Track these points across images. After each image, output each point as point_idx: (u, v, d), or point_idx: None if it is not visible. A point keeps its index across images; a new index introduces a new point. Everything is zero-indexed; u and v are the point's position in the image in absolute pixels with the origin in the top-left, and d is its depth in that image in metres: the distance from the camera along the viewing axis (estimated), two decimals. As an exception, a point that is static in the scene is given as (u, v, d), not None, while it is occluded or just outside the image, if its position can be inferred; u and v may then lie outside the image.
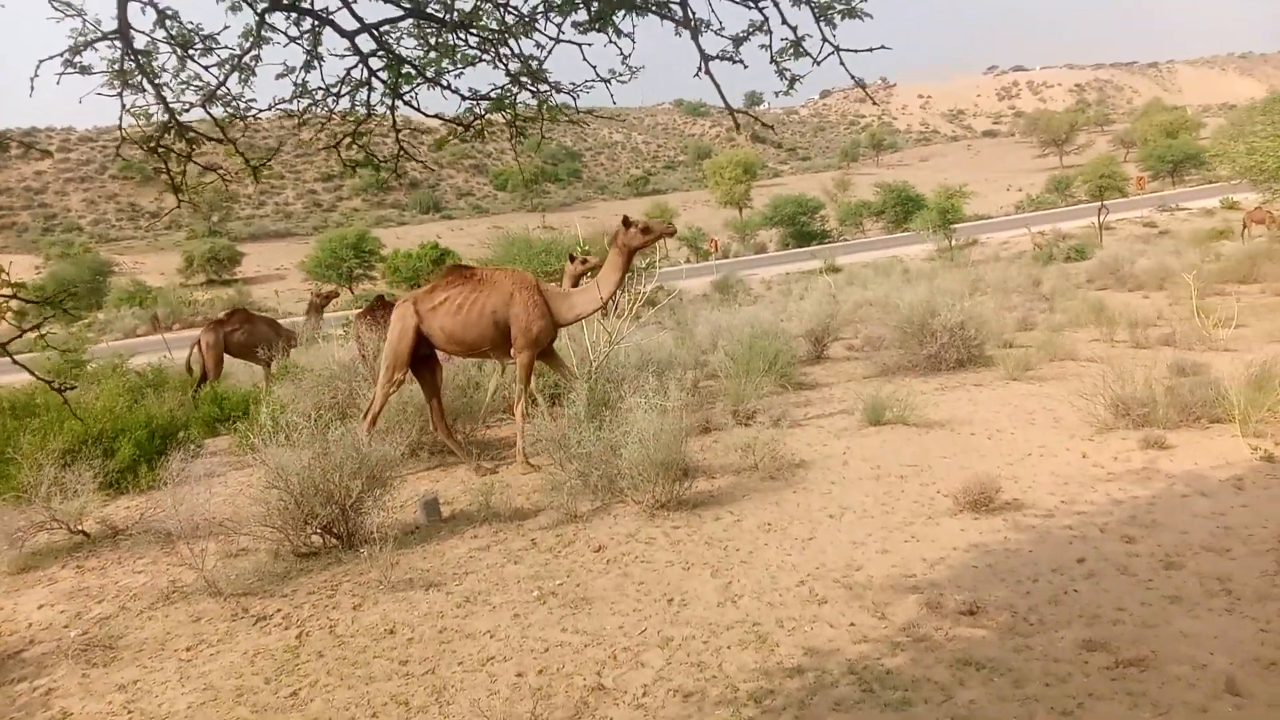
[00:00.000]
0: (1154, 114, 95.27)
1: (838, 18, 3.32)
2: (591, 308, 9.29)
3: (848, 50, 3.41)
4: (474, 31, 3.26)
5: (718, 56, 3.39)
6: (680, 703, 4.54)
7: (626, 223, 9.18)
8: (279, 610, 6.20)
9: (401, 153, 3.87)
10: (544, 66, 3.43)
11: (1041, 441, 8.53)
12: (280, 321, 15.82)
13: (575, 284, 10.87)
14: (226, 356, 14.36)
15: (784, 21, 3.30)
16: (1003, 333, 14.04)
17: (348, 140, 3.70)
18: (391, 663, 5.27)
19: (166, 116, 3.21)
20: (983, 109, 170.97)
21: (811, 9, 3.29)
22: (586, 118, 3.72)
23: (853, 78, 3.49)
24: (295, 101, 3.42)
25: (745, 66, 3.41)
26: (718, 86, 3.36)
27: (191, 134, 3.35)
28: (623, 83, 3.52)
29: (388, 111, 3.51)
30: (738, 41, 3.30)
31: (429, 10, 3.21)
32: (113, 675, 5.48)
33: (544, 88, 3.48)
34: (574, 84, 3.58)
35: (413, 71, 3.39)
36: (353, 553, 6.93)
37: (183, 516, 7.02)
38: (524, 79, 3.46)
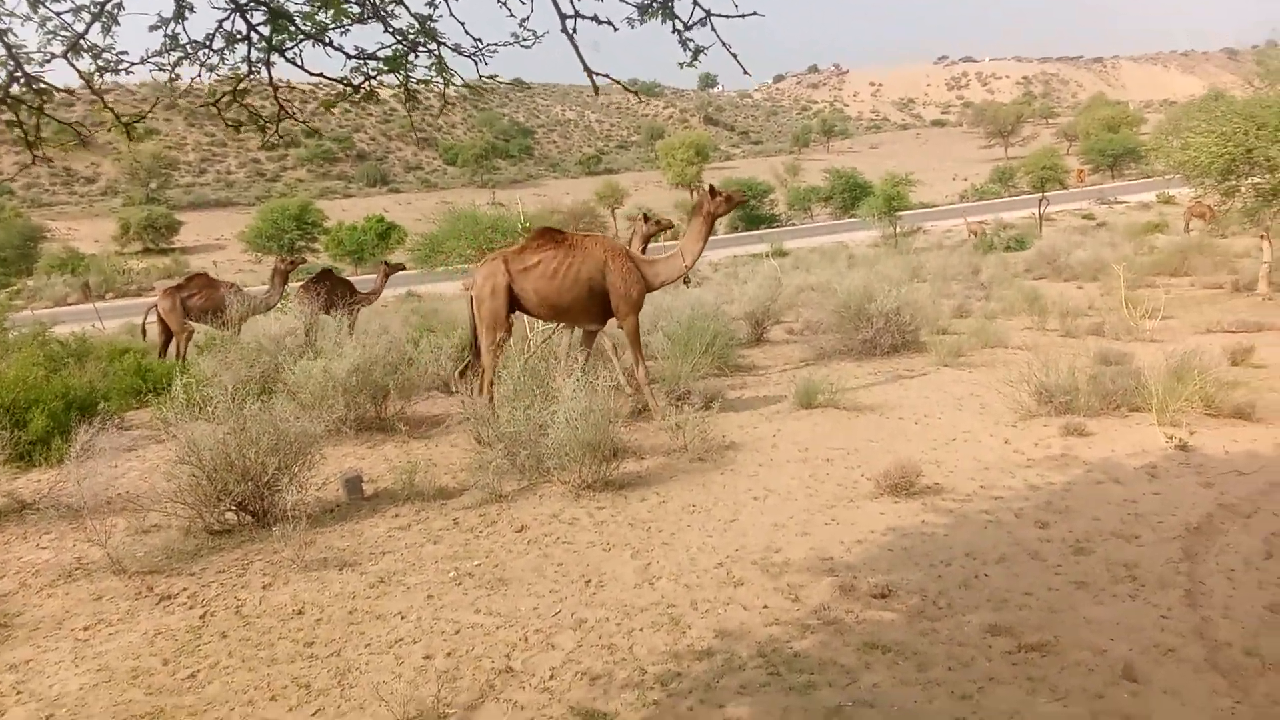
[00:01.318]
0: (1097, 108, 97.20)
1: None
2: (677, 274, 9.55)
3: (719, 15, 3.34)
4: None
5: (575, 15, 3.28)
6: (587, 686, 4.49)
7: (713, 192, 9.44)
8: (185, 589, 6.02)
9: (282, 112, 3.71)
10: (435, 26, 3.29)
11: (967, 427, 8.63)
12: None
13: (644, 246, 10.82)
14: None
15: None
16: (938, 319, 14.21)
17: (227, 98, 3.52)
18: (297, 644, 5.14)
19: (13, 66, 3.02)
20: (932, 98, 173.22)
21: None
22: (489, 83, 3.57)
23: (724, 45, 3.41)
24: (166, 55, 3.24)
25: (615, 28, 3.31)
26: (576, 48, 3.26)
27: (41, 85, 3.15)
28: (525, 46, 3.40)
29: (265, 69, 3.33)
30: None
31: None
32: (4, 655, 5.27)
33: (435, 48, 3.34)
34: (477, 46, 3.46)
35: (293, 27, 3.23)
36: (267, 531, 6.75)
37: (89, 491, 6.78)
38: (417, 39, 3.32)
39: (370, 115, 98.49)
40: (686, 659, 4.66)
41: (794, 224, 56.88)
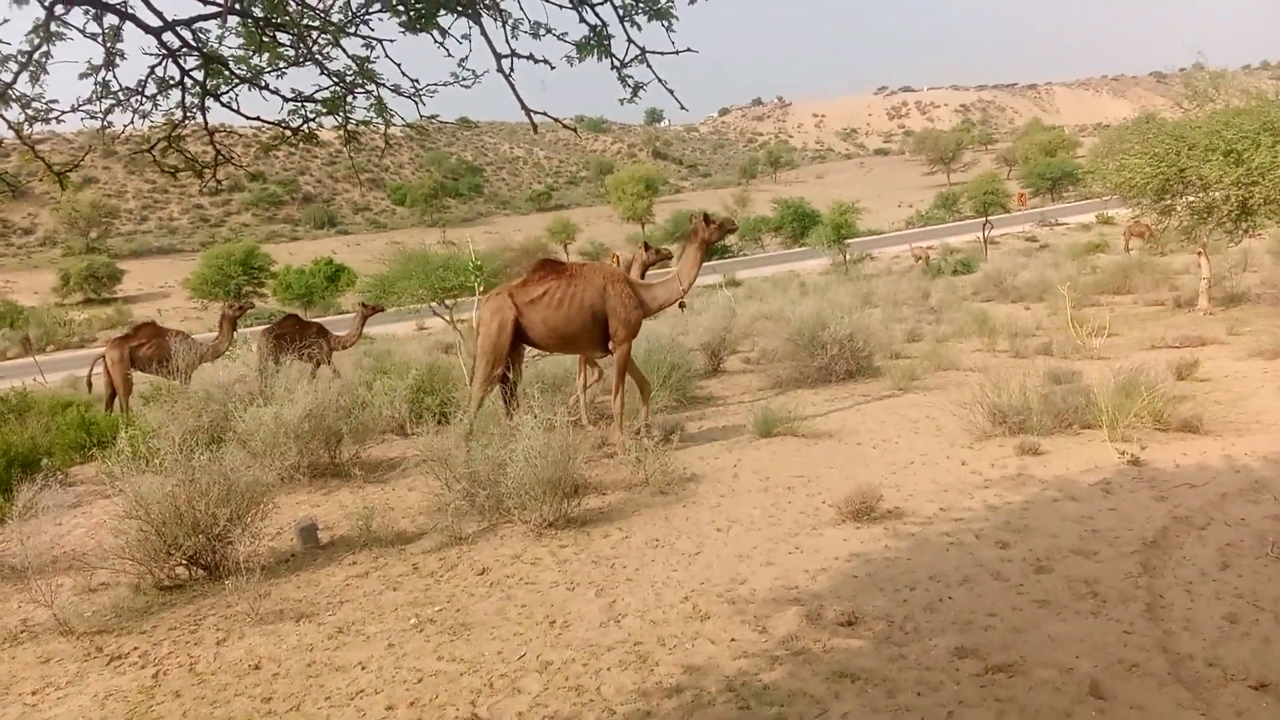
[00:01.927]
0: (1034, 133, 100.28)
1: (642, 19, 3.29)
2: (674, 298, 9.77)
3: (654, 53, 3.38)
4: (288, 30, 3.08)
5: (511, 55, 3.31)
6: (556, 729, 4.40)
7: (707, 219, 9.74)
8: (136, 648, 5.81)
9: (219, 158, 3.65)
10: (373, 68, 3.28)
11: (924, 450, 8.71)
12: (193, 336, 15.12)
13: (643, 273, 11.06)
14: (136, 373, 13.78)
15: (581, 19, 3.24)
16: (891, 344, 14.39)
17: (163, 144, 3.46)
18: (254, 700, 4.98)
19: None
20: (874, 128, 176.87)
21: (615, 9, 3.24)
22: (429, 124, 3.57)
23: (660, 81, 3.46)
24: (98, 103, 3.18)
25: (552, 67, 3.34)
26: (512, 87, 3.27)
27: None
28: (465, 86, 3.40)
29: (200, 114, 3.29)
30: (535, 35, 3.22)
31: (237, 7, 3.01)
32: (-57, 728, 5.03)
33: (374, 89, 3.33)
34: (416, 86, 3.45)
35: (227, 71, 3.19)
36: (220, 584, 6.56)
37: (33, 550, 6.55)
38: (355, 81, 3.30)
39: (315, 157, 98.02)
40: (655, 697, 4.59)
41: (745, 254, 57.38)
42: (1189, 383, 10.36)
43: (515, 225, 77.50)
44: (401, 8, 3.04)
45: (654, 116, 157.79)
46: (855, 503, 6.88)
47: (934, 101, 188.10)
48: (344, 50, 3.26)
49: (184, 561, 6.75)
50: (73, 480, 10.42)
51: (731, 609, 5.57)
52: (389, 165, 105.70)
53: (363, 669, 5.23)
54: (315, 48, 3.18)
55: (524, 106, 3.49)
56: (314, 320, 16.46)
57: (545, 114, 3.57)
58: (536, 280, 9.35)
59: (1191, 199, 16.06)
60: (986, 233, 38.33)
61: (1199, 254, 16.61)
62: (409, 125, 3.57)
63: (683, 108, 3.71)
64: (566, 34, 3.30)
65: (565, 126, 3.93)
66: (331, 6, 3.16)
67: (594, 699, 4.65)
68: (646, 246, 11.30)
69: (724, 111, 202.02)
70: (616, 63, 3.40)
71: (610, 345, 9.48)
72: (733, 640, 5.15)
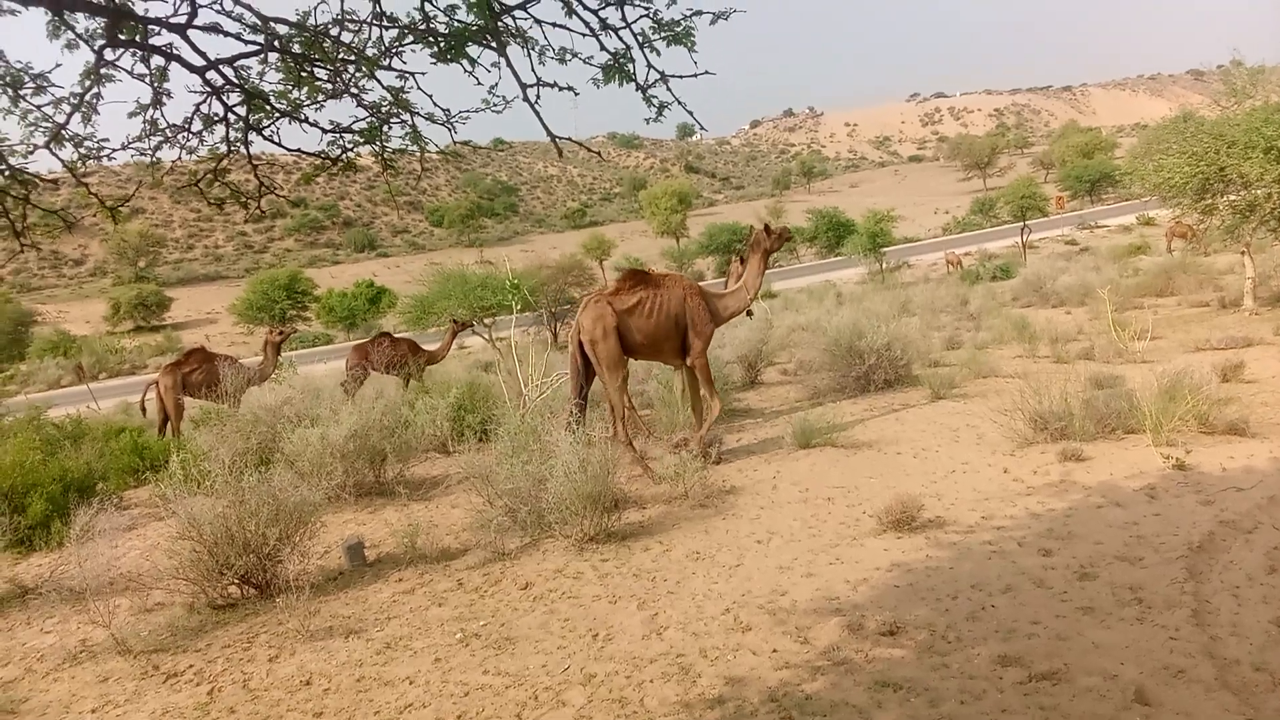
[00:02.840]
0: (1070, 136, 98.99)
1: (661, 44, 3.38)
2: (742, 306, 10.21)
3: (673, 76, 3.47)
4: (323, 65, 3.22)
5: (537, 84, 3.42)
6: (601, 741, 4.46)
7: (768, 230, 10.33)
8: (191, 666, 5.97)
9: (263, 188, 3.81)
10: (407, 98, 3.41)
11: (965, 458, 8.66)
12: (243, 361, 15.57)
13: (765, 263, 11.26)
14: (187, 398, 14.21)
15: (602, 47, 3.34)
16: (929, 352, 14.31)
17: (209, 177, 3.61)
18: (306, 715, 5.10)
19: (-3, 158, 3.11)
20: (908, 135, 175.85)
21: (634, 35, 3.33)
22: (464, 148, 3.70)
23: (680, 103, 3.54)
24: (146, 140, 3.34)
25: (576, 93, 3.44)
26: (538, 114, 3.38)
27: (25, 176, 3.24)
28: (496, 111, 3.52)
29: (243, 147, 3.44)
30: (562, 61, 3.33)
31: (276, 45, 3.15)
32: (10, 745, 5.22)
33: (409, 118, 3.45)
34: (448, 114, 3.57)
35: (268, 106, 3.34)
36: (271, 602, 6.72)
37: (90, 573, 6.76)
38: (390, 110, 3.43)
39: (355, 182, 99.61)
40: (698, 708, 4.64)
41: (780, 265, 57.25)
42: (1234, 384, 10.18)
43: (551, 243, 78.07)
44: (432, 39, 3.17)
45: (685, 131, 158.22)
46: (896, 512, 6.87)
47: (967, 107, 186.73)
48: (379, 83, 3.40)
49: (236, 581, 6.92)
50: (127, 504, 10.71)
51: (772, 620, 5.60)
52: (426, 188, 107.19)
53: (410, 684, 5.34)
54: (351, 81, 3.31)
55: (549, 133, 3.61)
56: (404, 336, 17.06)
57: (570, 139, 3.68)
58: (629, 290, 9.72)
59: (1233, 197, 15.80)
60: (1025, 237, 37.93)
61: (1243, 253, 16.31)
62: (443, 151, 3.69)
63: (701, 128, 3.82)
64: (592, 58, 3.41)
65: (590, 151, 4.05)
66: (367, 41, 3.31)
67: (637, 710, 4.70)
68: (767, 229, 11.42)
69: (755, 124, 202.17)
70: (638, 86, 3.50)
71: (689, 359, 9.82)
72: (774, 651, 5.18)
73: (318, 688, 5.44)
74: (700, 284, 10.39)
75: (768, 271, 11.07)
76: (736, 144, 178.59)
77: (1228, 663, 4.48)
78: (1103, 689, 4.35)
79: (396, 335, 16.63)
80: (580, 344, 9.55)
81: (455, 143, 3.62)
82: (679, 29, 3.34)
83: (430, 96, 3.56)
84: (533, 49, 3.37)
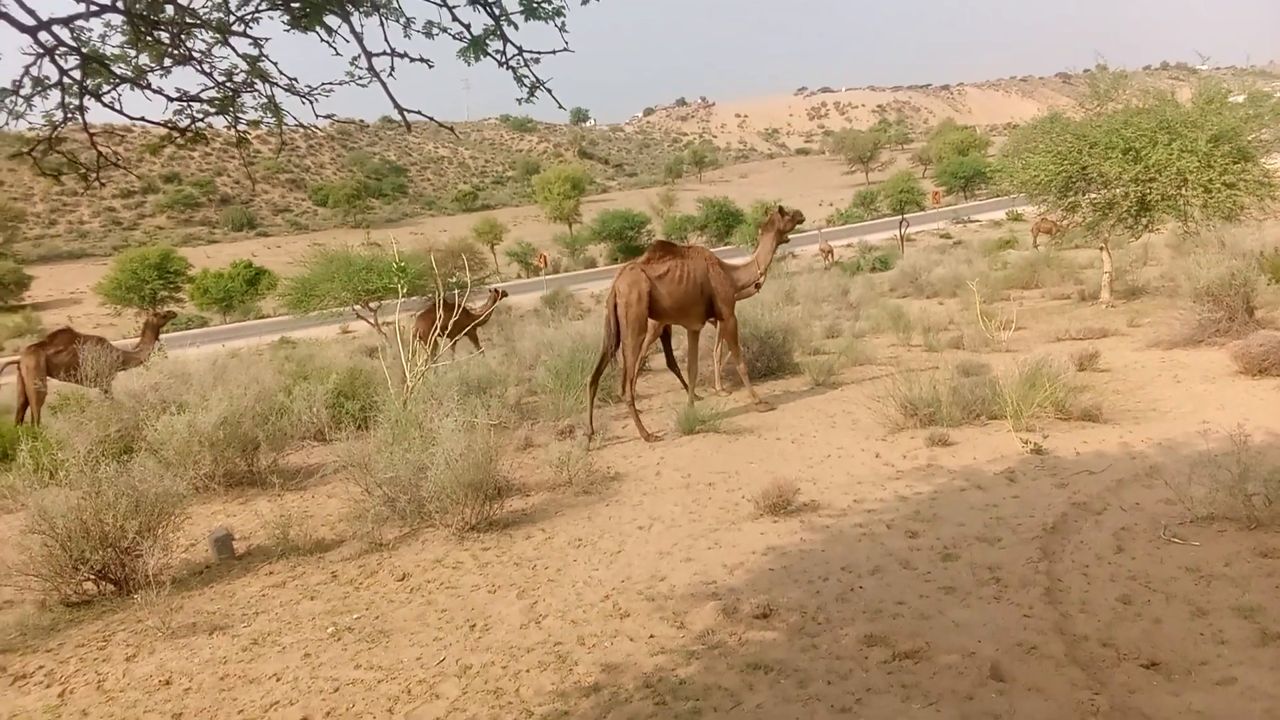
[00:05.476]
0: (947, 133, 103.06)
1: (520, 19, 3.35)
2: (754, 279, 11.18)
3: (532, 53, 3.45)
4: (167, 28, 3.04)
5: (383, 53, 3.34)
6: (474, 732, 4.41)
7: (782, 211, 11.48)
8: (41, 666, 5.63)
9: (101, 159, 3.58)
10: (263, 67, 3.25)
11: (840, 443, 8.91)
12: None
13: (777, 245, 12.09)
14: (51, 381, 13.33)
15: (454, 18, 3.29)
16: (810, 340, 14.65)
17: (43, 146, 3.37)
18: (164, 716, 4.87)
19: None
20: (795, 128, 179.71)
21: (488, 9, 3.29)
22: (333, 123, 3.58)
23: (539, 83, 3.51)
24: (-27, 103, 3.09)
25: (430, 65, 3.37)
26: (385, 85, 3.29)
27: None
28: (362, 85, 3.40)
29: (79, 114, 3.21)
30: (429, 34, 3.26)
31: (117, 5, 2.96)
32: None
33: (267, 88, 3.30)
34: (309, 86, 3.43)
35: (108, 70, 3.13)
36: (130, 599, 6.39)
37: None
38: (247, 79, 3.26)
39: (233, 158, 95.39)
40: (573, 697, 4.64)
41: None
42: (1090, 373, 10.77)
43: (441, 226, 76.54)
44: (284, 5, 3.02)
45: (579, 116, 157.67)
46: (773, 497, 7.02)
47: (852, 102, 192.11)
48: (233, 49, 3.23)
49: (92, 576, 6.55)
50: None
51: (651, 606, 5.65)
52: (310, 165, 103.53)
53: (278, 680, 5.16)
54: (203, 49, 3.14)
55: (397, 105, 3.53)
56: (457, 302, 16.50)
57: (420, 113, 3.60)
58: (658, 259, 10.53)
59: (1094, 196, 16.68)
60: (903, 230, 39.28)
61: (1101, 249, 17.28)
62: (304, 126, 3.54)
63: (560, 106, 3.82)
64: (462, 34, 3.33)
65: (443, 127, 3.96)
66: (216, 4, 3.13)
67: (512, 701, 4.67)
68: (782, 211, 11.81)
69: (649, 111, 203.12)
70: (500, 63, 3.44)
71: (721, 324, 10.90)
72: (651, 637, 5.22)
73: (178, 687, 5.20)
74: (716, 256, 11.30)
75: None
76: (630, 131, 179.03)
77: (1077, 639, 4.74)
78: (961, 666, 4.55)
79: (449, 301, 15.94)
80: (615, 306, 10.18)
81: (326, 117, 3.48)
82: (537, 4, 3.28)
83: (276, 64, 3.41)
84: (395, 20, 3.26)
